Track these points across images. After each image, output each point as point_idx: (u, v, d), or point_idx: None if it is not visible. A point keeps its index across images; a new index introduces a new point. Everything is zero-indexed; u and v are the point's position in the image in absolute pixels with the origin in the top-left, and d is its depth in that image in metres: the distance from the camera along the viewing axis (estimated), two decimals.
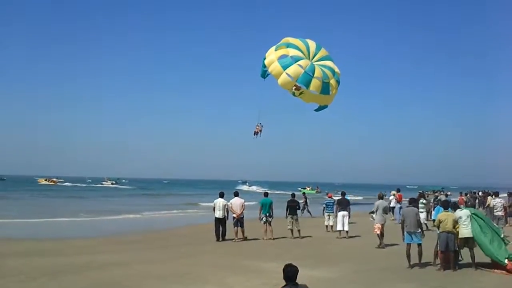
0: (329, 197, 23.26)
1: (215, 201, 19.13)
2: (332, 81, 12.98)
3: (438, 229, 13.16)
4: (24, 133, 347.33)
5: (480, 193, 40.19)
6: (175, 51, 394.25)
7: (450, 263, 12.79)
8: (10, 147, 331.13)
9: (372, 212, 17.62)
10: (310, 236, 20.00)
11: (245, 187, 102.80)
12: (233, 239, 18.70)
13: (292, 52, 12.56)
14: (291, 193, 22.58)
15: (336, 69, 13.29)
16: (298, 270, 6.24)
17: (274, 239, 18.96)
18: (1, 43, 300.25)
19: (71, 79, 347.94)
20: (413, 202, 14.93)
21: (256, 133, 14.98)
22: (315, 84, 12.41)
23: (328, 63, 13.06)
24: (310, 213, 31.84)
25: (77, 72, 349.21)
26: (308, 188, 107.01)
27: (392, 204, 29.18)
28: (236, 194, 19.66)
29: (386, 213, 17.72)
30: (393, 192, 30.10)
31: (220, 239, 18.76)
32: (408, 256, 13.28)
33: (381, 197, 18.16)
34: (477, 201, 33.83)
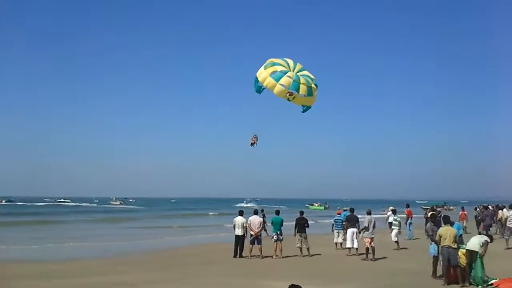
0: (338, 214, 23.09)
1: (234, 219, 19.79)
2: (313, 85, 15.75)
3: (439, 244, 13.10)
4: (31, 155, 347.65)
5: (490, 207, 39.72)
6: (175, 68, 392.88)
7: (456, 278, 12.66)
8: (18, 169, 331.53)
9: (364, 228, 18.63)
10: (319, 254, 19.84)
11: (242, 205, 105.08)
12: (247, 256, 18.97)
13: (279, 68, 15.41)
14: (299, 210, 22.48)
15: (312, 76, 16.04)
16: None
17: (283, 257, 18.88)
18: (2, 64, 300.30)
19: (74, 100, 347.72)
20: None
21: (252, 144, 17.11)
22: (302, 88, 15.28)
23: (306, 72, 15.94)
24: (266, 232, 25.54)
25: (78, 92, 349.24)
26: (316, 205, 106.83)
27: (390, 220, 29.36)
28: (255, 212, 20.09)
29: (374, 228, 18.42)
30: (391, 207, 30.33)
31: (237, 256, 19.19)
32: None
33: (369, 213, 18.95)
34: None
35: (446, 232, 12.96)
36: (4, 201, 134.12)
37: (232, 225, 19.83)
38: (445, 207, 46.96)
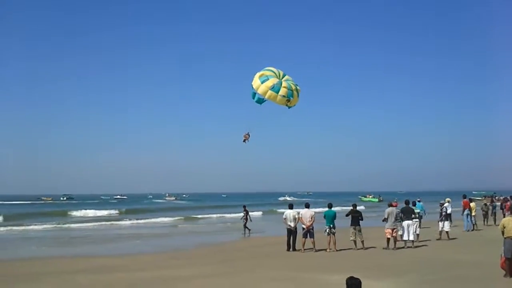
0: (394, 206, 22.65)
1: (285, 213, 20.05)
2: (298, 88, 18.21)
3: (503, 235, 12.59)
4: (92, 154, 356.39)
5: None
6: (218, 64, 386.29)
7: None
8: (75, 168, 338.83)
9: (385, 220, 19.33)
10: (374, 247, 19.57)
11: (287, 198, 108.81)
12: (300, 249, 19.01)
13: (274, 81, 17.62)
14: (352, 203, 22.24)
15: (291, 78, 18.31)
16: (361, 282, 6.11)
17: (337, 250, 18.75)
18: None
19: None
20: None
21: (244, 140, 18.62)
22: (294, 94, 17.81)
23: (287, 77, 18.26)
24: (248, 230, 28.87)
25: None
26: (370, 197, 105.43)
27: (448, 211, 28.73)
28: (307, 206, 20.07)
29: (397, 220, 19.23)
30: (448, 199, 29.70)
31: (291, 249, 19.34)
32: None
33: (390, 205, 19.97)
34: None
35: (510, 223, 12.47)
36: (65, 198, 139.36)
37: (283, 218, 19.94)
38: (496, 197, 46.15)
